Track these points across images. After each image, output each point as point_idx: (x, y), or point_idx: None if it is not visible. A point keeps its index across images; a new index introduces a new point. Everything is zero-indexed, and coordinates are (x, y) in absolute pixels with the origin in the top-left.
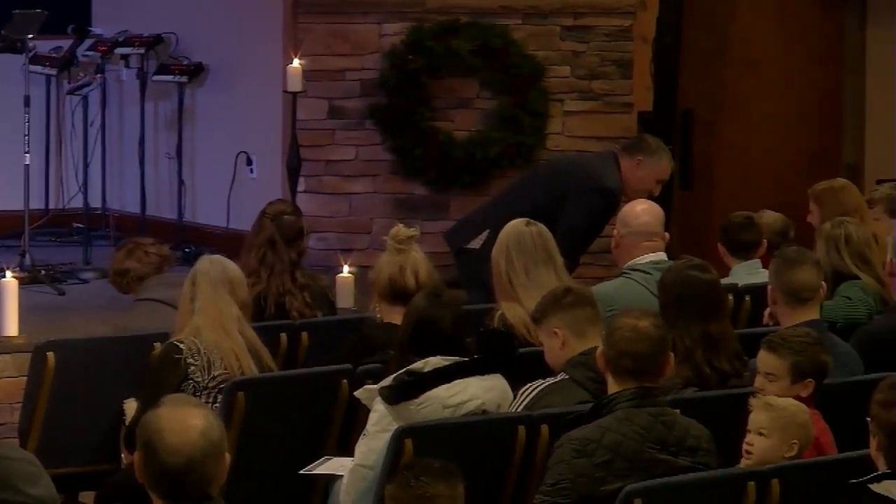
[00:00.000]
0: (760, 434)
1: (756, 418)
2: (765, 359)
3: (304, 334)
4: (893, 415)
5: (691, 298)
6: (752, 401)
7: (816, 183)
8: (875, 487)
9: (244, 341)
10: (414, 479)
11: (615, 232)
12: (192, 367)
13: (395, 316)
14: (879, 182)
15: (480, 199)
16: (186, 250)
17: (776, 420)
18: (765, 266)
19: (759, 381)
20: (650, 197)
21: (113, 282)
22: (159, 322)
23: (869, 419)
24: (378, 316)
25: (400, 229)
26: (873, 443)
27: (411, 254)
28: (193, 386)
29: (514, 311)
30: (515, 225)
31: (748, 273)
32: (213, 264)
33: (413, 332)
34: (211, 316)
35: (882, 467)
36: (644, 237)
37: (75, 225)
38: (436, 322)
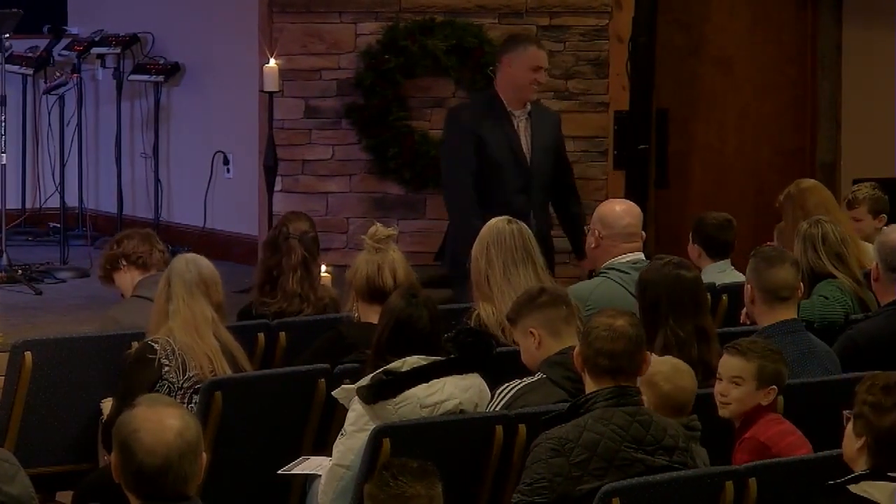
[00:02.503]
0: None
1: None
2: (731, 363)
3: (282, 334)
4: (886, 419)
5: (684, 296)
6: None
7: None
8: (853, 489)
9: (219, 344)
10: (392, 479)
11: (594, 232)
12: (167, 368)
13: (372, 315)
14: (857, 182)
15: None
16: None
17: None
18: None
19: (722, 387)
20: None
21: (110, 260)
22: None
23: (851, 417)
24: (356, 315)
25: (378, 228)
26: (856, 442)
27: (389, 253)
28: (168, 387)
29: (489, 311)
30: (496, 223)
31: (719, 272)
32: (188, 265)
33: (390, 332)
34: (185, 319)
35: (859, 467)
36: (625, 238)
37: (52, 224)
38: (413, 321)
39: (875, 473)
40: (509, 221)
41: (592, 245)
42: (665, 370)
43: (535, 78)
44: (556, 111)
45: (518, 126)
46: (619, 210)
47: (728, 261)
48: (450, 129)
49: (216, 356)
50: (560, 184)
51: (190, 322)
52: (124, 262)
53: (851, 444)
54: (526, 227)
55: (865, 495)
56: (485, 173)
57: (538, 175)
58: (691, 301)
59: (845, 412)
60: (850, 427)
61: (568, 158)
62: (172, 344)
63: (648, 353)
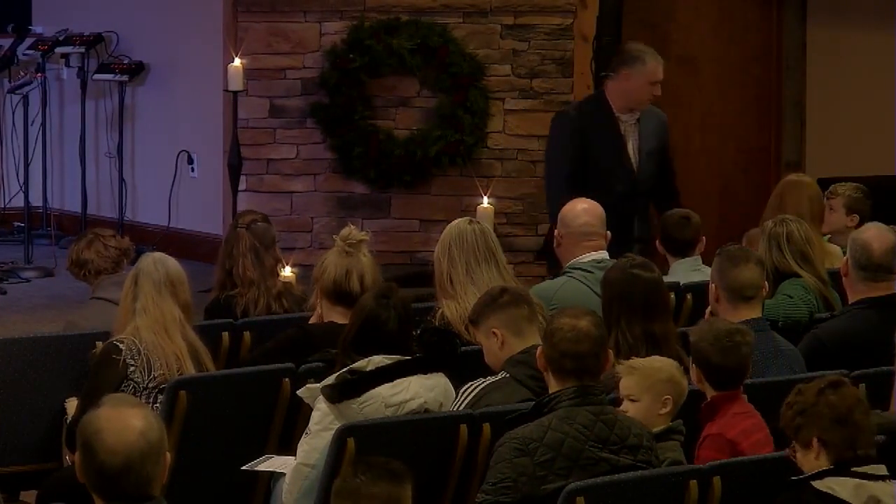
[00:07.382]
0: (631, 399)
1: (624, 384)
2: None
3: (247, 333)
4: (833, 409)
5: (634, 297)
6: (618, 367)
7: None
8: (817, 484)
9: (185, 344)
10: (360, 477)
11: (556, 231)
12: (132, 368)
13: (335, 315)
14: (820, 181)
15: (420, 198)
16: None
17: (642, 381)
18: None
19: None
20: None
21: (70, 270)
22: (110, 322)
23: (796, 423)
24: (317, 311)
25: (352, 231)
26: (804, 443)
27: (360, 258)
28: (133, 387)
29: (453, 309)
30: (458, 224)
31: (690, 270)
32: (156, 264)
33: (359, 332)
34: (153, 318)
35: (821, 466)
36: (584, 237)
37: (16, 224)
38: (382, 322)
39: (839, 469)
40: (470, 222)
41: (555, 244)
42: (675, 371)
43: (652, 92)
44: (663, 112)
45: (625, 131)
46: (579, 209)
47: (698, 258)
48: (553, 134)
49: (184, 356)
50: (662, 186)
51: (159, 322)
52: (89, 275)
53: (797, 445)
54: (488, 227)
55: (829, 491)
56: (590, 178)
57: (644, 181)
58: (641, 303)
59: None
60: None
61: (672, 160)
62: (138, 344)
63: (610, 350)
